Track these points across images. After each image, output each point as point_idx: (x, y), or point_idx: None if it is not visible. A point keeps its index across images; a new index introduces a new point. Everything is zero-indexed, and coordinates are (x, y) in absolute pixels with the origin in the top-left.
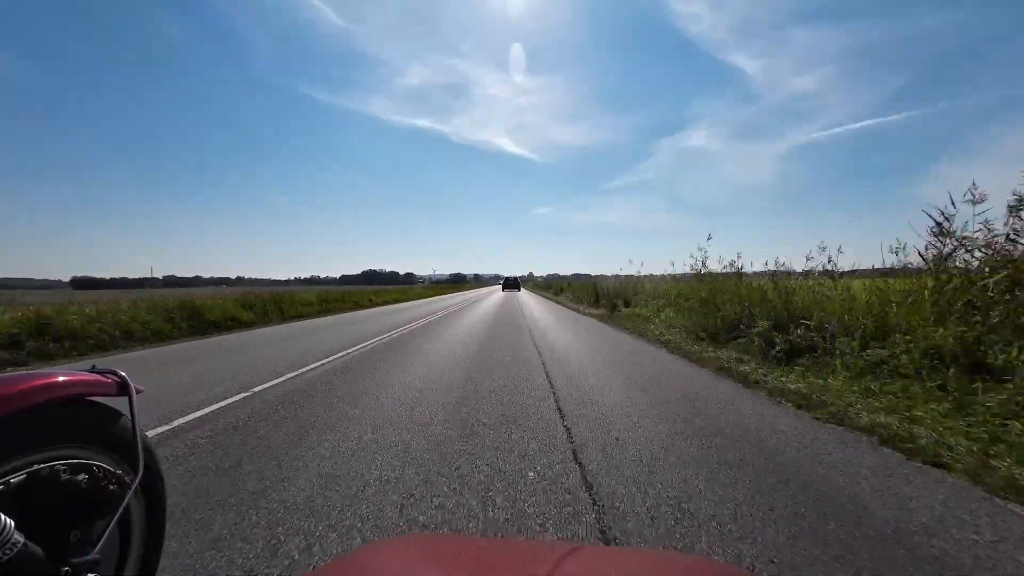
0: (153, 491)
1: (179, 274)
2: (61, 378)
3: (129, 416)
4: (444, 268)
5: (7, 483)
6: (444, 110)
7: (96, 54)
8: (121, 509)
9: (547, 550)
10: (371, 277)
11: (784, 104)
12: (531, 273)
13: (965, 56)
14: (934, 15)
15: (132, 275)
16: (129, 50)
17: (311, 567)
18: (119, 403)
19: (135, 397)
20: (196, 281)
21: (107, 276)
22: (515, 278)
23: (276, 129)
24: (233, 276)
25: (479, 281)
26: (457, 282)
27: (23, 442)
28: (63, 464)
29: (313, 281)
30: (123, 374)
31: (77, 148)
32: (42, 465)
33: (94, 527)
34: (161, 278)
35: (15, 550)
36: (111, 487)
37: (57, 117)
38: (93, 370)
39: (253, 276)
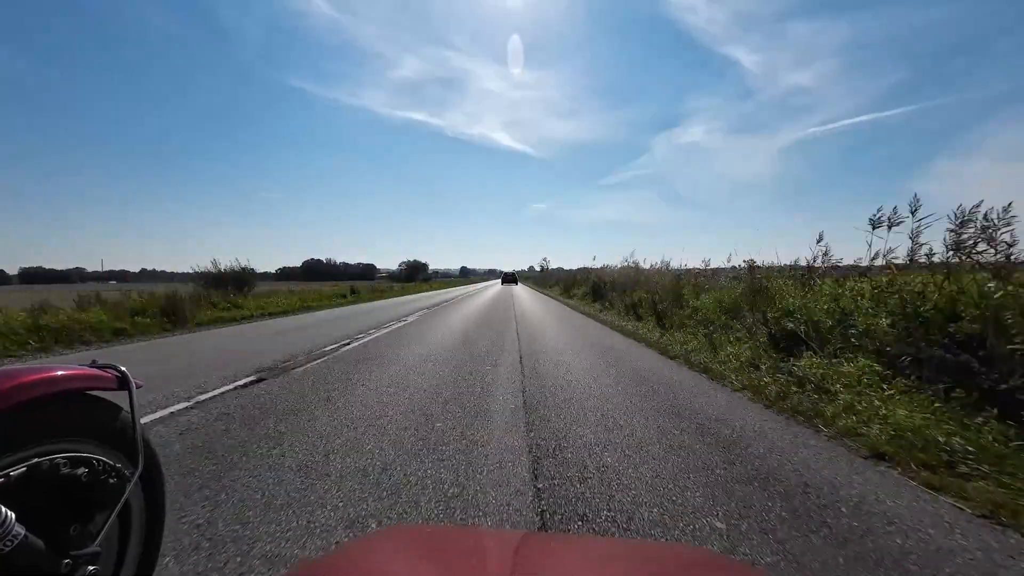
0: (152, 485)
1: (60, 266)
2: (61, 372)
3: (129, 410)
4: (444, 264)
5: (7, 476)
6: (439, 103)
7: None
8: (121, 503)
9: (540, 541)
10: (314, 270)
11: (782, 99)
12: (531, 268)
13: (964, 51)
14: (933, 9)
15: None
16: (94, 24)
17: (290, 562)
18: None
19: (135, 392)
20: (74, 275)
21: None
22: (512, 274)
23: (252, 115)
24: (136, 269)
25: (466, 277)
26: (408, 279)
27: (23, 436)
28: (63, 458)
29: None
30: (123, 369)
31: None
32: (42, 458)
33: (94, 520)
34: (16, 272)
35: (16, 542)
36: (111, 481)
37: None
38: (93, 365)
39: (174, 269)
